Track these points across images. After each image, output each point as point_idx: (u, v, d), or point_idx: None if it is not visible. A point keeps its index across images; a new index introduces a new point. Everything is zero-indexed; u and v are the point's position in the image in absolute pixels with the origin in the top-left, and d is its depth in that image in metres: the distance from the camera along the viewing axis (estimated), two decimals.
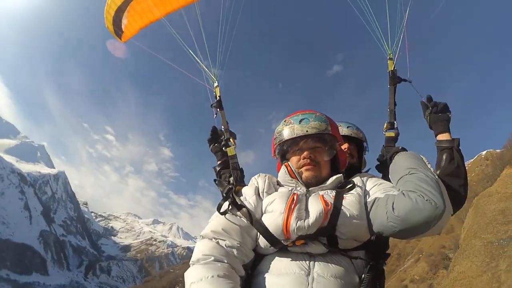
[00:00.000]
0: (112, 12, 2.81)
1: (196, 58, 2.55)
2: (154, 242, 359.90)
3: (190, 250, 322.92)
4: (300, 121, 1.66)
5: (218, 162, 2.36)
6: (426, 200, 1.23)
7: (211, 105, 2.44)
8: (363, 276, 1.39)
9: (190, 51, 2.58)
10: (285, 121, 1.74)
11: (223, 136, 2.36)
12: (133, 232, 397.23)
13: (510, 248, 32.03)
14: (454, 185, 1.62)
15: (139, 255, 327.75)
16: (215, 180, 2.03)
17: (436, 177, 1.39)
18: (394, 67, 2.14)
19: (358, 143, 2.45)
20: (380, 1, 2.20)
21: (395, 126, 2.04)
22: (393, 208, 1.29)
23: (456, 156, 1.73)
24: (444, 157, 1.74)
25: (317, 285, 1.29)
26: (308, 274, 1.33)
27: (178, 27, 2.67)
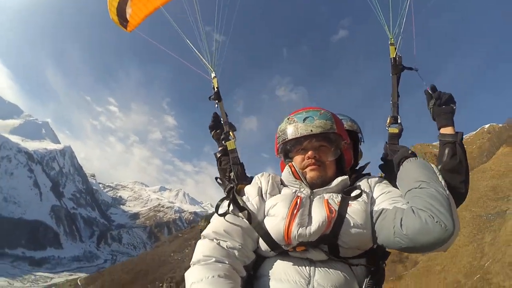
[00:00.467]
0: (115, 3, 2.76)
1: (193, 48, 2.47)
2: (162, 209, 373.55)
3: (197, 215, 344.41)
4: (304, 119, 1.61)
5: (219, 149, 2.32)
6: (436, 221, 1.21)
7: (209, 97, 2.38)
8: (364, 284, 1.41)
9: (188, 40, 2.49)
10: (288, 118, 1.69)
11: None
12: (141, 200, 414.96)
13: (497, 223, 33.43)
14: (455, 181, 1.58)
15: (148, 222, 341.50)
16: (216, 178, 2.04)
17: (447, 192, 1.35)
18: (396, 54, 1.99)
19: (353, 135, 2.36)
20: None
21: (399, 121, 1.93)
22: (401, 225, 1.28)
23: (458, 151, 1.68)
24: (446, 151, 1.69)
25: None
26: (308, 283, 1.33)
27: (176, 13, 2.62)
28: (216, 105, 2.37)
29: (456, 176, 1.61)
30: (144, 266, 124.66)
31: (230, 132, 2.25)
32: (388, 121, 1.94)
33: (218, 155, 2.30)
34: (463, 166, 1.65)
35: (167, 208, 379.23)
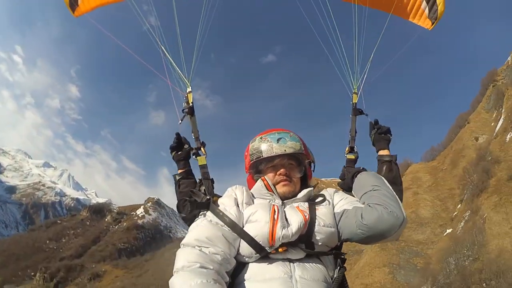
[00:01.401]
0: None
1: (170, 59, 2.48)
2: (42, 187, 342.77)
3: (79, 202, 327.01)
4: (278, 140, 1.83)
5: (179, 171, 2.30)
6: (390, 211, 1.50)
7: (183, 110, 2.39)
8: (334, 275, 1.63)
9: (164, 49, 2.50)
10: (261, 138, 1.89)
11: (186, 145, 2.34)
12: (21, 173, 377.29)
13: (354, 259, 41.58)
14: (394, 190, 1.77)
15: (24, 199, 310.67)
16: (191, 191, 2.01)
17: (394, 193, 1.67)
18: (357, 101, 2.50)
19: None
20: (349, 45, 2.56)
21: (355, 150, 2.36)
22: (362, 218, 1.56)
23: (394, 168, 2.11)
24: (384, 168, 2.10)
25: (301, 286, 1.46)
26: (291, 277, 1.49)
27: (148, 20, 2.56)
28: (181, 121, 2.38)
29: (394, 186, 1.84)
30: (16, 250, 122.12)
31: (202, 148, 2.29)
32: (346, 150, 2.37)
33: (178, 177, 2.26)
34: (398, 179, 2.07)
35: (48, 188, 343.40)
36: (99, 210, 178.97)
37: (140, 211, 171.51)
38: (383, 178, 1.84)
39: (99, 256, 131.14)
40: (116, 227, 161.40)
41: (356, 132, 2.45)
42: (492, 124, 48.11)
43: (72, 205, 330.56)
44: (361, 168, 2.04)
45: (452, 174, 42.96)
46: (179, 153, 2.34)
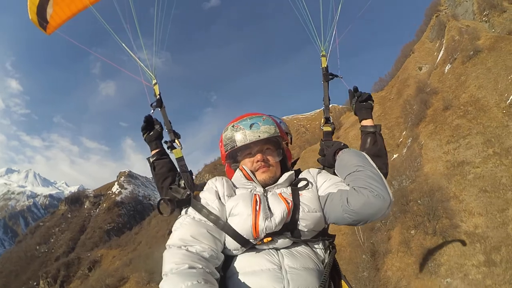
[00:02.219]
0: (36, 2, 2.66)
1: (132, 54, 2.46)
2: (12, 196, 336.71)
3: (53, 198, 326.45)
4: (251, 126, 1.77)
5: (152, 152, 2.24)
6: (376, 195, 1.47)
7: (151, 104, 2.36)
8: (324, 259, 1.63)
9: (125, 46, 2.46)
10: (233, 126, 1.81)
11: (157, 125, 2.30)
12: None
13: None
14: (378, 163, 1.75)
15: None
16: (170, 188, 1.99)
17: (379, 172, 1.61)
18: (326, 64, 2.32)
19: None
20: (315, 2, 2.38)
21: (331, 120, 2.23)
22: (348, 203, 1.51)
23: (379, 139, 2.03)
24: (368, 140, 2.03)
25: (291, 276, 1.43)
26: (280, 268, 1.47)
27: (110, 17, 2.47)
28: (153, 112, 2.34)
29: (379, 159, 1.87)
30: (11, 266, 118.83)
31: (176, 140, 2.25)
32: (322, 121, 2.24)
33: (152, 159, 2.20)
34: (383, 151, 2.02)
35: (18, 194, 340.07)
36: (76, 200, 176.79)
37: (115, 188, 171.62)
38: (366, 156, 1.75)
39: (91, 244, 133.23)
40: (97, 211, 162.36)
41: (329, 100, 2.29)
42: (435, 53, 47.69)
43: (47, 202, 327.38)
44: (342, 144, 1.93)
45: (398, 104, 43.93)
46: (150, 134, 2.29)
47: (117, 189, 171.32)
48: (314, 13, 2.38)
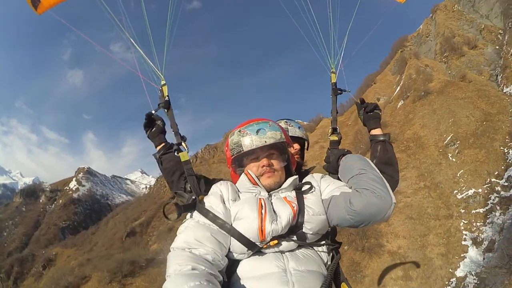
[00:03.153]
0: None
1: (140, 51, 2.40)
2: None
3: (6, 188, 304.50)
4: (257, 131, 1.80)
5: (158, 148, 2.27)
6: (377, 196, 1.51)
7: (158, 104, 2.32)
8: (327, 262, 1.69)
9: (135, 43, 2.41)
10: (240, 131, 1.85)
11: (159, 121, 2.32)
12: None
13: None
14: (389, 171, 1.87)
15: None
16: (175, 193, 2.03)
17: (381, 175, 1.66)
18: (336, 80, 2.44)
19: (301, 142, 2.85)
20: (325, 22, 2.51)
21: (338, 131, 2.31)
22: (350, 204, 1.55)
23: (389, 148, 2.08)
24: (378, 148, 2.07)
25: (296, 279, 1.48)
26: (285, 271, 1.51)
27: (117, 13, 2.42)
28: (156, 111, 2.32)
29: (389, 167, 1.95)
30: None
31: (183, 143, 2.24)
32: (329, 131, 2.31)
33: (158, 155, 2.23)
34: (393, 159, 2.05)
35: None
36: (31, 193, 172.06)
37: (73, 184, 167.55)
38: (368, 160, 1.82)
39: (45, 241, 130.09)
40: (53, 206, 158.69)
41: (337, 113, 2.40)
42: (394, 87, 50.88)
43: (0, 192, 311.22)
44: (346, 150, 2.03)
45: (353, 130, 46.12)
46: (152, 130, 2.32)
47: (75, 185, 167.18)
48: (322, 25, 2.48)
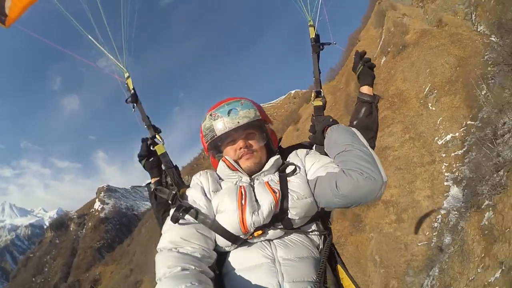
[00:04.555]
0: None
1: (100, 47, 2.29)
2: None
3: (34, 227, 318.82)
4: (229, 112, 1.73)
5: (153, 180, 2.19)
6: (366, 177, 1.44)
7: (126, 100, 2.29)
8: (320, 246, 1.64)
9: (91, 37, 2.29)
10: (211, 115, 1.79)
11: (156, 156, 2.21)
12: None
13: None
14: (367, 136, 1.76)
15: None
16: (156, 189, 2.00)
17: (370, 150, 1.57)
18: (316, 34, 2.21)
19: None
20: None
21: (322, 94, 2.13)
22: (337, 187, 1.49)
23: (374, 112, 2.01)
24: (363, 110, 2.00)
25: (285, 269, 1.45)
26: (274, 261, 1.49)
27: (70, 3, 2.35)
28: (134, 109, 2.28)
29: (368, 132, 1.89)
30: None
31: (157, 136, 2.21)
32: (312, 95, 2.13)
33: (153, 187, 2.14)
34: (375, 124, 2.01)
35: None
36: (60, 224, 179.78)
37: (97, 205, 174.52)
38: (356, 132, 1.72)
39: (85, 265, 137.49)
40: (84, 231, 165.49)
41: (320, 72, 2.19)
42: (377, 41, 50.31)
43: (29, 232, 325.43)
44: (331, 120, 1.88)
45: (346, 93, 47.08)
46: (150, 160, 2.22)
47: (99, 205, 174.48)
48: None
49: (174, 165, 2.15)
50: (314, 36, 2.21)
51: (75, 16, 2.26)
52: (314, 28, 2.24)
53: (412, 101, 33.21)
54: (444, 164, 26.32)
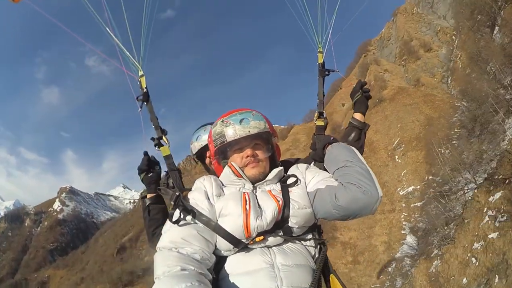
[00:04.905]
0: None
1: (116, 40, 2.30)
2: None
3: None
4: (241, 121, 1.80)
5: (149, 196, 2.19)
6: (364, 191, 1.51)
7: (137, 97, 2.29)
8: (315, 255, 1.67)
9: (109, 31, 2.28)
10: (222, 121, 1.84)
11: (157, 166, 2.25)
12: None
13: None
14: None
15: None
16: (158, 189, 2.01)
17: (367, 167, 1.63)
18: (323, 61, 2.40)
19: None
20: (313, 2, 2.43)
21: (324, 115, 2.27)
22: (336, 198, 1.55)
23: (362, 137, 2.16)
24: (353, 134, 2.16)
25: (284, 274, 1.47)
26: (273, 266, 1.50)
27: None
28: (141, 108, 2.28)
29: None
30: None
31: (163, 137, 2.24)
32: (315, 115, 2.28)
33: (148, 202, 2.17)
34: (362, 149, 2.10)
35: None
36: (16, 217, 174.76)
37: (57, 205, 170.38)
38: (355, 150, 1.78)
39: (35, 264, 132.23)
40: (39, 229, 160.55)
41: (324, 95, 2.35)
42: None
43: None
44: (331, 138, 1.97)
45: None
46: (149, 175, 2.23)
47: (59, 206, 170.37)
48: (311, 10, 2.40)
49: (177, 168, 2.18)
50: (322, 62, 2.42)
51: (95, 7, 2.26)
52: (323, 55, 2.43)
53: (380, 151, 35.99)
54: (404, 213, 28.67)
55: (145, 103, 2.30)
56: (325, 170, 1.84)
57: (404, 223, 28.08)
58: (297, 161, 2.13)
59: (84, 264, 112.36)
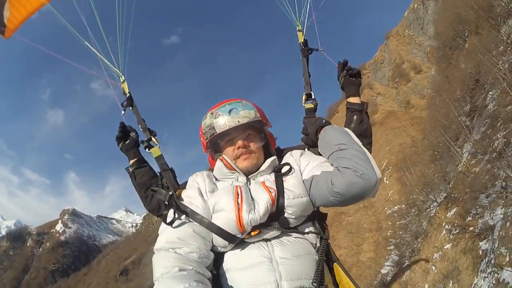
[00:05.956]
0: None
1: (95, 51, 2.33)
2: None
3: None
4: (230, 111, 1.75)
5: (131, 162, 2.23)
6: (360, 174, 1.43)
7: (121, 103, 2.31)
8: (316, 244, 1.60)
9: (87, 43, 2.33)
10: (212, 113, 1.81)
11: (133, 133, 2.29)
12: None
13: None
14: (363, 143, 1.72)
15: None
16: (152, 190, 1.93)
17: (363, 149, 1.56)
18: (304, 38, 2.30)
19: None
20: None
21: (313, 96, 2.17)
22: (332, 185, 1.47)
23: (365, 118, 2.04)
24: (354, 118, 2.04)
25: (283, 268, 1.43)
26: (271, 260, 1.46)
27: (67, 12, 2.36)
28: (124, 112, 2.31)
29: (364, 139, 1.86)
30: None
31: (153, 138, 2.23)
32: (303, 98, 2.16)
33: (131, 169, 2.20)
34: (368, 130, 2.03)
35: None
36: (18, 236, 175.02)
37: (59, 227, 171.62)
38: (349, 132, 1.69)
39: (35, 285, 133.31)
40: (41, 250, 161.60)
41: (310, 75, 2.24)
42: None
43: None
44: (324, 121, 1.88)
45: None
46: (126, 142, 2.27)
47: (61, 227, 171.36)
48: None
49: (170, 167, 2.15)
50: (303, 41, 2.33)
51: (70, 22, 2.28)
52: (303, 33, 2.35)
53: None
54: (390, 231, 31.08)
55: (130, 108, 2.32)
56: (320, 155, 1.77)
57: (390, 240, 30.38)
58: (295, 147, 2.04)
59: (87, 286, 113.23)
